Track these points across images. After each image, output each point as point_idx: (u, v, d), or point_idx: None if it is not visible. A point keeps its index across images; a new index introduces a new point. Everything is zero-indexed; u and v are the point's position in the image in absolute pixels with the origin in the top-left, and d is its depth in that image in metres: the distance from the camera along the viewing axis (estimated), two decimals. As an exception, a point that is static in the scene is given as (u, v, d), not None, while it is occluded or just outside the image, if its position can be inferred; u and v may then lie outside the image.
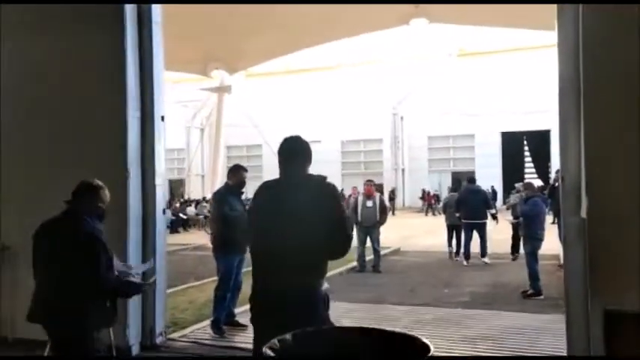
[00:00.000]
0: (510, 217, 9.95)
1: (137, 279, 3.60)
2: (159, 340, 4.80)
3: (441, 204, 17.03)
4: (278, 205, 2.80)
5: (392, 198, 29.30)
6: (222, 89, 34.93)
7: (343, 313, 6.24)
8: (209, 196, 30.73)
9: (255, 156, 38.50)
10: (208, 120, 37.21)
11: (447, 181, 31.14)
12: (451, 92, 31.98)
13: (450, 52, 32.38)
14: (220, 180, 35.49)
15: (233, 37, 27.04)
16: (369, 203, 9.74)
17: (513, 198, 12.60)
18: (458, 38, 30.49)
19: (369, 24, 27.25)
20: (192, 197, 29.81)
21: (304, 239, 2.71)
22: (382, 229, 10.06)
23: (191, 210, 21.17)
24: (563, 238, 4.07)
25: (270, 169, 37.15)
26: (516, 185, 12.98)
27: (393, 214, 27.66)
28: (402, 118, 33.89)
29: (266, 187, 2.98)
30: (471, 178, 11.97)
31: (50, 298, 3.11)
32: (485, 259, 10.39)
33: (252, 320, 2.85)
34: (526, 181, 10.74)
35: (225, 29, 25.66)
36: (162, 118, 4.96)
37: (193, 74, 34.90)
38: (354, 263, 9.71)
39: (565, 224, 4.06)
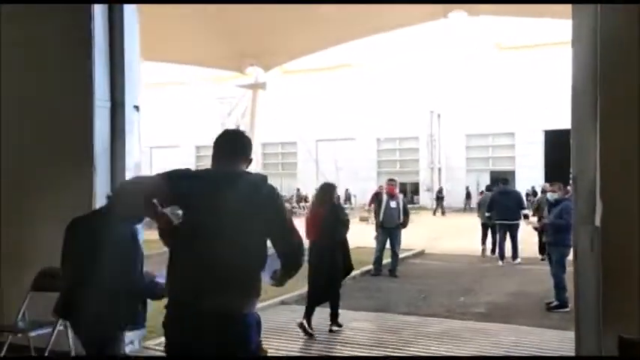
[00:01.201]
0: (533, 220, 9.22)
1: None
2: (129, 348, 4.45)
3: (476, 203, 16.47)
4: (204, 201, 2.31)
5: (439, 197, 28.42)
6: (256, 86, 34.65)
7: (343, 323, 5.78)
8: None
9: (289, 153, 38.35)
10: (243, 117, 37.25)
11: (485, 181, 30.13)
12: (490, 88, 30.88)
13: (490, 46, 31.28)
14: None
15: (267, 33, 26.95)
16: (393, 204, 9.21)
17: (537, 199, 11.92)
18: (498, 31, 29.40)
19: (407, 18, 26.58)
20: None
21: (235, 247, 2.26)
22: (409, 228, 9.77)
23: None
24: (574, 249, 3.51)
25: (304, 167, 37.09)
26: (542, 185, 12.37)
27: (443, 214, 26.86)
28: (438, 115, 32.95)
29: (188, 176, 2.49)
30: (504, 179, 12.04)
31: (79, 294, 3.06)
32: (517, 261, 10.35)
33: (166, 345, 2.39)
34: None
35: (260, 25, 25.61)
36: (137, 109, 4.60)
37: (229, 71, 35.12)
38: (370, 266, 9.21)
39: (576, 232, 3.49)
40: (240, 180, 2.39)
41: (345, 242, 5.85)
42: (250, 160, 2.55)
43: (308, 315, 5.41)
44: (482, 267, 10.30)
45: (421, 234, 16.24)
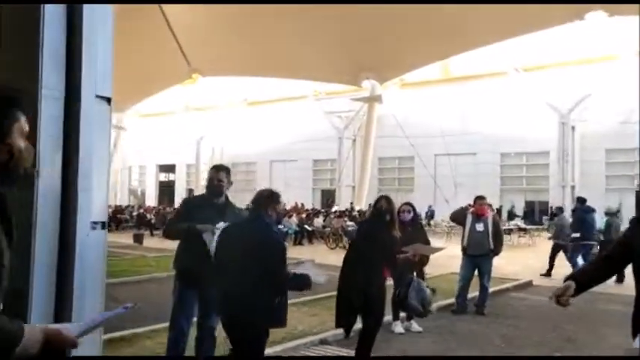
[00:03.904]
0: None
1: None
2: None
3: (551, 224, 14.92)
4: None
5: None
6: (372, 99, 33.98)
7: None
8: (357, 207, 29.94)
9: (406, 168, 36.88)
10: (360, 131, 36.61)
11: (630, 202, 26.37)
12: (636, 98, 26.98)
13: (635, 51, 27.39)
14: (368, 192, 34.59)
15: (384, 45, 26.03)
16: (479, 226, 7.59)
17: (606, 221, 11.28)
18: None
19: (538, 22, 24.13)
20: (341, 208, 29.36)
21: None
22: (525, 253, 8.22)
23: (318, 221, 20.20)
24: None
25: (421, 183, 35.35)
26: (607, 207, 11.71)
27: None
28: (572, 128, 29.45)
29: None
30: (580, 197, 11.87)
31: (234, 294, 3.34)
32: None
33: None
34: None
35: (377, 37, 24.77)
36: (108, 101, 3.79)
37: (344, 85, 34.75)
38: (452, 299, 7.71)
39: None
40: None
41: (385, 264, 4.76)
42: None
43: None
44: (602, 308, 8.27)
45: (538, 260, 14.12)
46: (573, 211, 12.31)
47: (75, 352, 3.42)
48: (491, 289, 8.48)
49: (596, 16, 22.96)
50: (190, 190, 42.63)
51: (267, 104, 41.48)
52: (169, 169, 47.53)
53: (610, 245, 8.26)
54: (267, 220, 3.46)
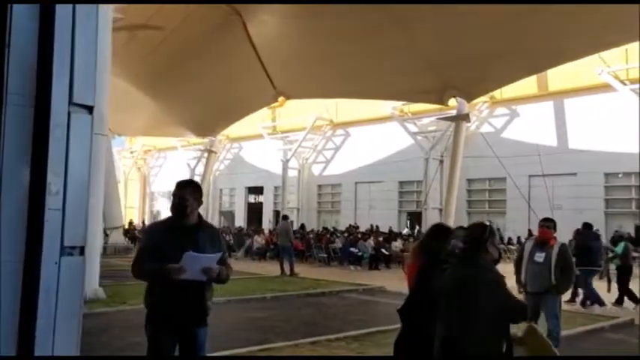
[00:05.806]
0: None
1: None
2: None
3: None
4: None
5: None
6: (460, 118, 32.53)
7: None
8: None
9: (497, 190, 34.88)
10: (447, 151, 35.21)
11: None
12: None
13: None
14: (455, 214, 32.92)
15: (471, 61, 24.78)
16: (539, 256, 6.32)
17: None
18: None
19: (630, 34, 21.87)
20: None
21: None
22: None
23: (396, 245, 19.21)
24: None
25: (514, 205, 33.11)
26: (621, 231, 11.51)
27: None
28: (689, 144, 26.39)
29: None
30: (587, 223, 12.08)
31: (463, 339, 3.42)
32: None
33: None
34: None
35: (463, 54, 23.64)
36: (90, 110, 3.36)
37: (430, 104, 33.58)
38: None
39: None
40: None
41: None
42: None
43: None
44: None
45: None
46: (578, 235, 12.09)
47: (57, 352, 2.96)
48: (583, 328, 7.26)
49: None
50: (277, 212, 43.00)
51: (352, 125, 41.14)
52: (257, 190, 48.37)
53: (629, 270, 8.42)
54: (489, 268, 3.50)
